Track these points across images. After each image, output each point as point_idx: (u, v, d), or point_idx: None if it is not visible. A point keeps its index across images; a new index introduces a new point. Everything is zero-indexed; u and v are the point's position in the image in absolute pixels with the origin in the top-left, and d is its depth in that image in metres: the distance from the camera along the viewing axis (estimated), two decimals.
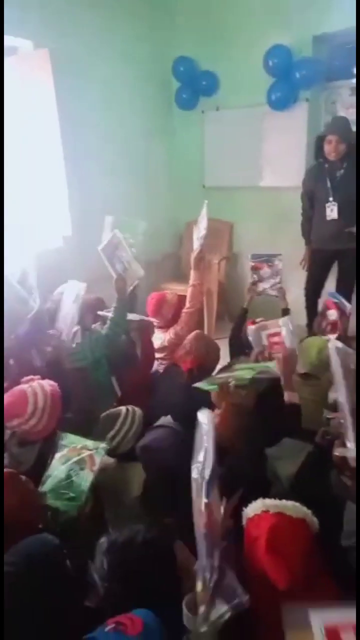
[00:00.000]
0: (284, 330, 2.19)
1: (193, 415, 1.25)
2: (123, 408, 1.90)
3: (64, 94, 3.43)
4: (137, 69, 4.19)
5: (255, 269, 2.79)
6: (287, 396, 1.85)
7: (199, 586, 1.04)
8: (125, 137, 4.21)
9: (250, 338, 2.35)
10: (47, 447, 1.65)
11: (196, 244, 2.74)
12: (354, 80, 3.92)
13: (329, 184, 3.30)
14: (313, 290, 3.65)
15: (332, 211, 3.30)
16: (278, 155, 4.13)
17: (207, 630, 0.99)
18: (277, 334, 2.23)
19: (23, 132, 3.50)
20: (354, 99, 3.93)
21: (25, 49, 3.40)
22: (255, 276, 2.79)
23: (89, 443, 1.58)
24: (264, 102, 3.97)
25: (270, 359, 2.13)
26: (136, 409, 1.91)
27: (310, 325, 3.34)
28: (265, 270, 2.76)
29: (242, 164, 4.41)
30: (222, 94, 4.36)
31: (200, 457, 1.12)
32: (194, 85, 4.38)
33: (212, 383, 1.77)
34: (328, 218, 3.33)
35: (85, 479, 1.45)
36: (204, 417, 1.20)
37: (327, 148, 3.23)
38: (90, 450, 1.54)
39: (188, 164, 4.74)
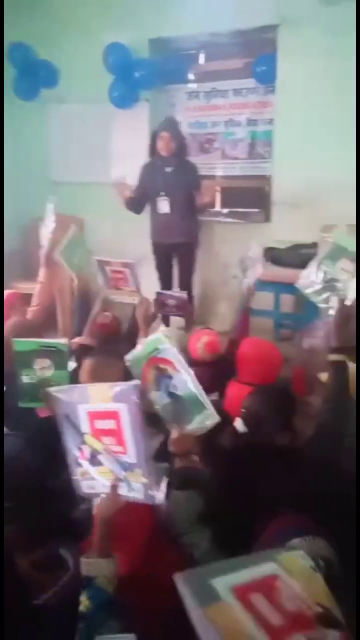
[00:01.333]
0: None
1: None
2: None
3: None
4: None
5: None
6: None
7: None
8: None
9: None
10: None
11: (44, 241, 2.65)
12: (189, 85, 4.17)
13: (160, 179, 3.48)
14: (163, 283, 3.81)
15: (164, 205, 3.50)
16: (124, 152, 4.19)
17: None
18: (120, 272, 2.34)
19: None
20: (191, 102, 4.19)
21: None
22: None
23: None
24: (107, 99, 3.99)
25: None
26: None
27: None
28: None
29: (91, 159, 4.37)
30: (64, 87, 4.25)
31: None
32: (32, 75, 4.19)
33: None
34: (160, 212, 3.53)
35: None
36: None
37: (160, 144, 3.42)
38: None
39: (31, 157, 4.54)
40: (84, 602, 1.04)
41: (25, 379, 1.61)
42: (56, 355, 1.61)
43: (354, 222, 3.26)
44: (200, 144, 4.24)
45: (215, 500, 1.37)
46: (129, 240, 3.84)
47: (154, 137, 3.47)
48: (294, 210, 3.76)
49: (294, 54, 3.54)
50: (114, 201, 4.33)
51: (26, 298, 2.78)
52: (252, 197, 4.11)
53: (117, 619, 1.04)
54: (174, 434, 1.42)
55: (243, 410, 1.60)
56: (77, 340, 2.14)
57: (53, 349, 1.61)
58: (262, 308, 3.55)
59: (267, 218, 3.98)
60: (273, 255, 3.44)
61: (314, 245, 3.18)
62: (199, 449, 1.50)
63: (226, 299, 4.15)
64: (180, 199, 3.47)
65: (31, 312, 2.60)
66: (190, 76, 4.17)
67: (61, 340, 1.69)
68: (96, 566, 1.07)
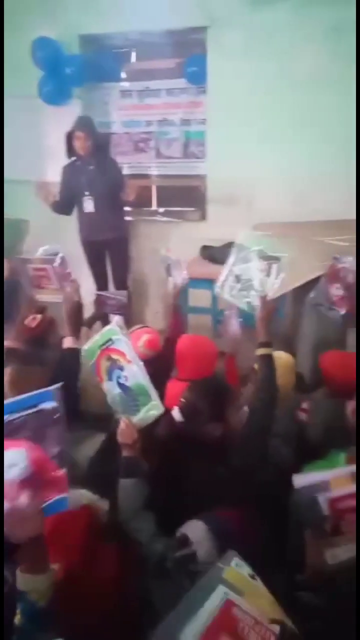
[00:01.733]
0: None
1: None
2: None
3: None
4: None
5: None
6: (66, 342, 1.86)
7: None
8: None
9: None
10: None
11: None
12: (122, 84, 4.14)
13: (83, 179, 3.48)
14: (98, 281, 3.77)
15: (88, 204, 3.50)
16: (58, 150, 4.08)
17: None
18: (43, 269, 2.26)
19: None
20: (124, 101, 4.16)
21: None
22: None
23: None
24: (37, 95, 3.87)
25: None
26: None
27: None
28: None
29: (23, 157, 4.23)
30: None
31: None
32: None
33: None
34: (85, 211, 3.54)
35: None
36: None
37: (77, 144, 3.43)
38: None
39: None
40: (17, 615, 1.00)
41: None
42: None
43: (286, 219, 3.40)
44: (135, 144, 4.22)
45: (157, 488, 1.41)
46: (67, 238, 3.75)
47: (69, 138, 3.45)
48: (228, 208, 3.84)
49: (223, 55, 3.61)
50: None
51: None
52: (187, 196, 4.16)
53: (48, 630, 1.01)
54: (122, 424, 1.47)
55: (182, 400, 1.64)
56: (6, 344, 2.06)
57: None
58: (200, 305, 3.61)
59: (202, 217, 4.04)
60: (208, 253, 3.49)
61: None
62: (141, 439, 1.53)
63: (163, 298, 4.16)
64: (104, 197, 3.48)
65: None
66: (123, 74, 4.14)
67: None
68: (29, 582, 1.03)
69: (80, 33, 3.87)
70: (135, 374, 1.48)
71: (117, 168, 3.66)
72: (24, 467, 0.90)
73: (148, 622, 0.96)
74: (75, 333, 1.85)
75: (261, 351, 1.66)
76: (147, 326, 2.77)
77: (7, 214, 3.63)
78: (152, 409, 1.47)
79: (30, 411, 1.03)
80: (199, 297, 3.46)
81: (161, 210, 4.21)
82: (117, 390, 1.53)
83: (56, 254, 2.45)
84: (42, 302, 2.36)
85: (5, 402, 1.04)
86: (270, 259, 1.83)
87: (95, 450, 1.82)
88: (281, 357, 1.94)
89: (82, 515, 1.22)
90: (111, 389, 1.55)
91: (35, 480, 0.93)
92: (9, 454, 0.91)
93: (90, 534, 1.24)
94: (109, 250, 3.78)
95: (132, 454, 1.44)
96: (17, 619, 0.99)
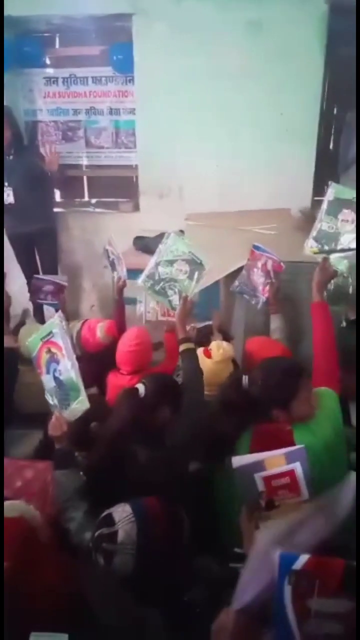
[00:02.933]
0: None
1: None
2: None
3: None
4: None
5: None
6: None
7: None
8: None
9: None
10: None
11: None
12: (47, 70, 4.01)
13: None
14: (26, 275, 3.68)
15: (8, 196, 3.42)
16: None
17: None
18: None
19: None
20: (50, 88, 4.03)
21: None
22: None
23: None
24: None
25: None
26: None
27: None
28: None
29: None
30: None
31: None
32: None
33: None
34: (6, 202, 3.44)
35: None
36: None
37: None
38: None
39: None
40: None
41: None
42: None
43: (215, 209, 3.49)
44: (64, 132, 4.12)
45: (90, 478, 1.48)
46: None
47: None
48: (160, 199, 3.87)
49: (150, 45, 3.59)
50: None
51: None
52: (120, 187, 4.13)
53: None
54: (53, 418, 1.54)
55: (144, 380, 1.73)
56: None
57: None
58: (132, 296, 3.63)
59: (136, 207, 4.03)
60: (142, 244, 3.51)
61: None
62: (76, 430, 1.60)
63: (99, 290, 4.14)
64: (22, 188, 3.41)
65: None
66: (47, 60, 4.01)
67: None
68: None
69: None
70: (68, 368, 1.53)
71: (39, 157, 3.58)
72: None
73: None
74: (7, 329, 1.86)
75: (183, 347, 1.77)
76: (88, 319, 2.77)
77: None
78: (79, 404, 1.53)
79: None
80: (131, 288, 3.48)
81: (93, 201, 4.15)
82: (52, 383, 1.57)
83: None
84: None
85: None
86: (193, 263, 1.93)
87: (33, 449, 1.83)
88: (222, 346, 2.04)
89: (15, 525, 1.22)
90: (47, 382, 1.59)
91: None
92: None
93: (25, 543, 1.25)
94: (36, 243, 3.70)
95: (63, 445, 1.48)
96: None
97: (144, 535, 1.12)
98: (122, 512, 1.16)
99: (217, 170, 3.67)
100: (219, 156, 3.65)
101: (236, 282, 2.48)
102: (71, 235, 4.11)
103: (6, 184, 3.39)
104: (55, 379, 1.56)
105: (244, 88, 3.48)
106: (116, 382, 2.23)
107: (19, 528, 1.18)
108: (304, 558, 0.83)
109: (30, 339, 1.64)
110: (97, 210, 4.12)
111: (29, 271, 3.65)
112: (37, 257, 3.78)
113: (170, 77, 3.60)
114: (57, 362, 1.55)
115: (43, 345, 1.59)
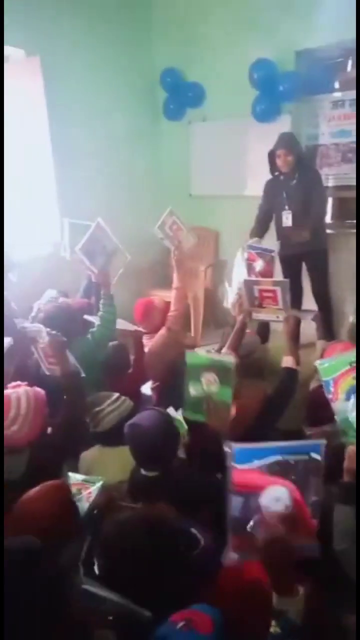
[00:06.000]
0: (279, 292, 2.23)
1: None
2: (116, 393, 1.96)
3: (54, 101, 3.52)
4: (122, 78, 4.31)
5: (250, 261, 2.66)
6: (286, 361, 1.89)
7: None
8: (115, 145, 4.30)
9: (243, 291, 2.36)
10: (37, 455, 1.64)
11: (170, 246, 2.92)
12: (334, 94, 4.06)
13: (284, 195, 3.52)
14: (292, 297, 3.74)
15: (287, 219, 3.54)
16: (262, 165, 4.23)
17: None
18: (271, 290, 2.27)
19: (13, 140, 3.55)
20: (335, 112, 4.07)
21: (17, 57, 3.47)
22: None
23: (90, 478, 1.61)
24: (249, 114, 4.08)
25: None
26: (128, 399, 1.96)
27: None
28: (259, 263, 2.65)
29: (227, 173, 4.51)
30: (208, 105, 4.47)
31: None
32: (181, 96, 4.49)
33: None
34: (284, 225, 3.56)
35: (82, 508, 1.46)
36: None
37: (278, 162, 3.47)
38: (89, 485, 1.55)
39: (175, 173, 4.83)
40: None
41: (192, 391, 1.69)
42: (222, 372, 1.65)
43: None
44: (343, 154, 4.09)
45: None
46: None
47: (272, 156, 3.51)
48: None
49: None
50: (248, 214, 4.43)
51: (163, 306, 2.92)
52: None
53: None
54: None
55: None
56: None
57: (220, 365, 1.66)
58: None
59: None
60: None
61: None
62: None
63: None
64: (301, 211, 3.48)
65: (171, 317, 2.76)
66: (336, 85, 4.06)
67: (228, 358, 1.73)
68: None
69: (296, 49, 3.93)
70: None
71: (320, 181, 3.61)
72: (288, 505, 1.06)
73: None
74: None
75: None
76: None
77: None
78: None
79: (301, 457, 1.12)
80: None
81: None
82: (351, 412, 1.52)
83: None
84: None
85: (280, 444, 1.15)
86: None
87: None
88: None
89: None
90: (345, 409, 1.54)
91: (291, 520, 1.06)
92: (276, 489, 1.08)
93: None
94: (306, 263, 3.74)
95: None
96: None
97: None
98: None
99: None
100: None
101: None
102: (336, 258, 4.03)
103: (286, 207, 3.54)
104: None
105: None
106: None
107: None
108: None
109: (328, 363, 1.61)
110: None
111: (295, 293, 3.72)
112: (308, 279, 3.79)
113: None
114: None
115: (347, 370, 1.55)
